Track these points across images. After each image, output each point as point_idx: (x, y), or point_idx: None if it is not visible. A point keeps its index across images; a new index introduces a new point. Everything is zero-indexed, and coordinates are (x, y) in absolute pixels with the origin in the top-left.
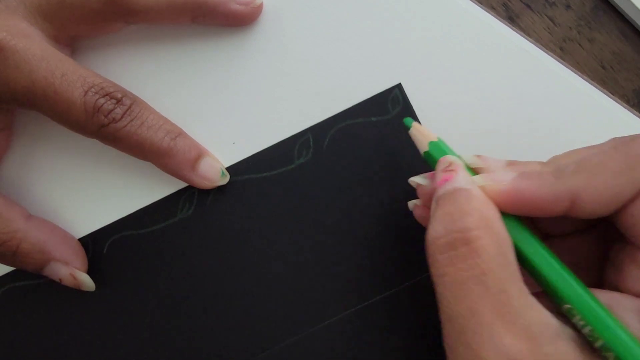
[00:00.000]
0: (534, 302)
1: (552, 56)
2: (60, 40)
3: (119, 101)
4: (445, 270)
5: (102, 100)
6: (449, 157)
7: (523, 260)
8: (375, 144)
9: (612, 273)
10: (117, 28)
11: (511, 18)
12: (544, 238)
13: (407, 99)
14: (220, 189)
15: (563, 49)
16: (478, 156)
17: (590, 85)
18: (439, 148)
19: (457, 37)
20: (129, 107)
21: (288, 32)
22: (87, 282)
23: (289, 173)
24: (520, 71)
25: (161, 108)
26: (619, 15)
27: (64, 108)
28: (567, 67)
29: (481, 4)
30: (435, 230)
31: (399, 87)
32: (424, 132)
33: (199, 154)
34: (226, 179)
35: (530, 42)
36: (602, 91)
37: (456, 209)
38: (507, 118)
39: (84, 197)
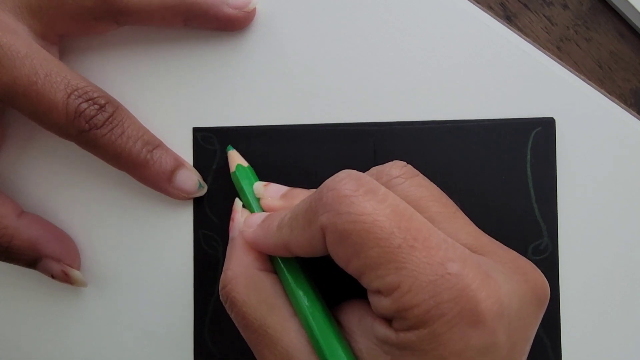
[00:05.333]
0: (293, 325)
1: (549, 55)
2: (47, 38)
3: (101, 107)
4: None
5: (84, 105)
6: (235, 202)
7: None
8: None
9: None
10: (107, 29)
11: (509, 17)
12: None
13: None
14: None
15: (560, 49)
16: (265, 184)
17: (587, 84)
18: (235, 178)
19: (454, 36)
20: (111, 115)
21: (281, 37)
22: (79, 279)
23: None
24: (518, 70)
25: (148, 113)
26: (617, 15)
27: (45, 109)
28: (564, 66)
29: (478, 3)
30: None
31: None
32: (230, 161)
33: (176, 165)
34: (203, 191)
35: (528, 41)
36: (599, 91)
37: (226, 263)
38: (506, 118)
39: (78, 193)
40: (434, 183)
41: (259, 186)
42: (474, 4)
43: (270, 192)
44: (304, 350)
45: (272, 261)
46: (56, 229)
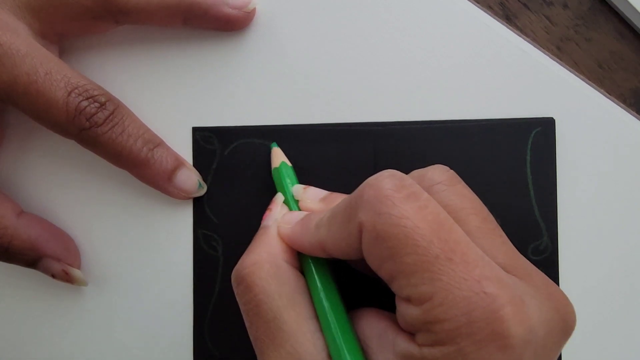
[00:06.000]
0: (309, 327)
1: (549, 55)
2: (47, 37)
3: (102, 105)
4: (239, 305)
5: (85, 103)
6: (277, 195)
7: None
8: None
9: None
10: (107, 28)
11: (508, 17)
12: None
13: None
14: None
15: (560, 49)
16: (305, 187)
17: (587, 84)
18: (278, 173)
19: (454, 36)
20: (112, 113)
21: (281, 37)
22: (79, 278)
23: None
24: (518, 70)
25: (147, 113)
26: (617, 15)
27: (45, 107)
28: (564, 66)
29: (478, 3)
30: (233, 269)
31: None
32: (274, 157)
33: (177, 165)
34: (203, 191)
35: (528, 41)
36: (599, 91)
37: (249, 247)
38: (506, 118)
39: (78, 193)
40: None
41: (299, 189)
42: (473, 4)
43: (310, 195)
44: (316, 355)
45: (301, 260)
46: (56, 229)
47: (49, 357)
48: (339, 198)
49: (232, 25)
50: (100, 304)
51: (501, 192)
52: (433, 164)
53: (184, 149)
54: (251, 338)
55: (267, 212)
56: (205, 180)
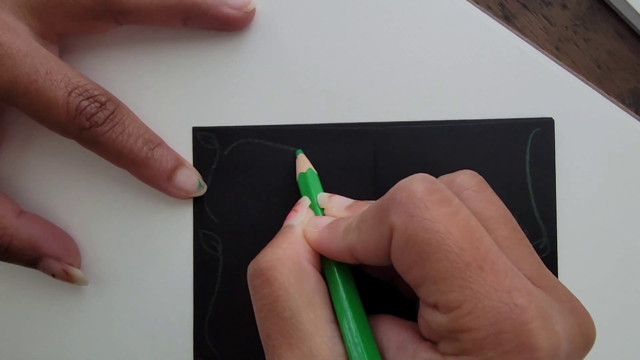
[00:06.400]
0: (326, 330)
1: (548, 56)
2: (47, 37)
3: (102, 105)
4: (252, 300)
5: (85, 103)
6: (302, 198)
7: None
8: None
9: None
10: (107, 28)
11: (507, 17)
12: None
13: None
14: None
15: (559, 49)
16: (330, 195)
17: (586, 84)
18: (304, 178)
19: (454, 36)
20: (112, 113)
21: (282, 37)
22: (80, 277)
23: None
24: (517, 71)
25: (147, 113)
26: (615, 15)
27: (45, 107)
28: (563, 66)
29: (477, 3)
30: (251, 261)
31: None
32: (301, 163)
33: (176, 165)
34: (203, 190)
35: (527, 41)
36: (598, 91)
37: (271, 243)
38: (505, 118)
39: (78, 193)
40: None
41: (324, 197)
42: (473, 4)
43: (335, 203)
44: (333, 357)
45: (324, 264)
46: (56, 228)
47: (49, 357)
48: (364, 206)
49: (232, 26)
50: (100, 304)
51: (500, 192)
52: (433, 164)
53: (184, 149)
54: (262, 334)
55: (292, 213)
56: (205, 180)
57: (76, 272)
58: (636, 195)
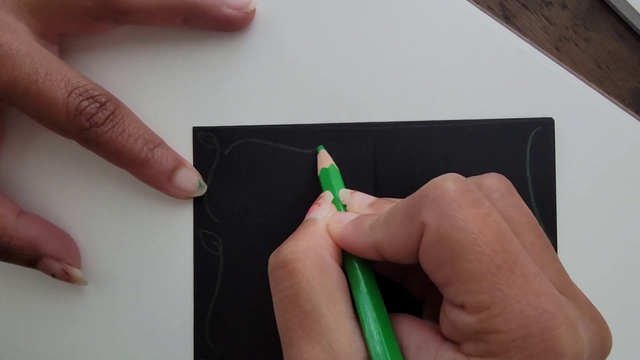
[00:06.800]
0: (346, 326)
1: (548, 56)
2: (47, 37)
3: (102, 105)
4: (272, 291)
5: (85, 103)
6: (325, 193)
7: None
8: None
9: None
10: (107, 28)
11: (507, 17)
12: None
13: None
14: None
15: (559, 49)
16: (352, 192)
17: (586, 84)
18: (327, 175)
19: (454, 36)
20: (112, 113)
21: (282, 37)
22: (80, 277)
23: None
24: (517, 71)
25: (147, 113)
26: (615, 15)
27: (45, 107)
28: (563, 66)
29: (477, 3)
30: (272, 253)
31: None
32: (323, 158)
33: (177, 165)
34: (203, 190)
35: (527, 41)
36: (598, 91)
37: (294, 235)
38: (505, 118)
39: (78, 193)
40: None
41: (346, 194)
42: (473, 4)
43: (357, 200)
44: (351, 356)
45: (345, 260)
46: (56, 228)
47: (49, 356)
48: (387, 204)
49: (232, 26)
50: (100, 304)
51: None
52: (433, 164)
53: (184, 149)
54: (280, 326)
55: (315, 206)
56: (205, 180)
57: (76, 272)
58: (636, 195)
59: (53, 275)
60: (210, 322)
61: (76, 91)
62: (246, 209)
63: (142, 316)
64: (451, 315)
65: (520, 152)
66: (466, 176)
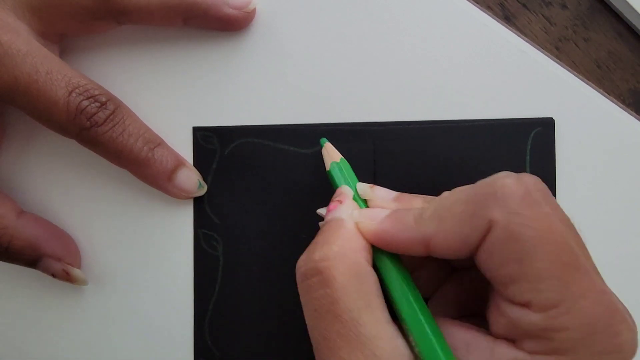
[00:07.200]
0: (387, 331)
1: (548, 55)
2: (47, 37)
3: (102, 105)
4: (304, 299)
5: (85, 103)
6: (343, 188)
7: (387, 293)
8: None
9: (489, 307)
10: (107, 28)
11: (507, 17)
12: (454, 269)
13: None
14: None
15: (559, 49)
16: (371, 186)
17: (586, 84)
18: (339, 169)
19: (454, 36)
20: (112, 112)
21: (281, 37)
22: (80, 277)
23: None
24: (517, 71)
25: (148, 113)
26: (615, 15)
27: (46, 107)
28: (563, 66)
29: (477, 3)
30: (301, 258)
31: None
32: (331, 152)
33: (177, 165)
34: (203, 190)
35: (527, 41)
36: (597, 90)
37: (323, 238)
38: (505, 118)
39: (78, 193)
40: (433, 182)
41: (366, 188)
42: (473, 4)
43: (380, 195)
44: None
45: (377, 260)
46: (56, 228)
47: (49, 357)
48: (412, 199)
49: (232, 26)
50: (100, 304)
51: None
52: (433, 164)
53: (185, 149)
54: (315, 335)
55: (336, 204)
56: (205, 180)
57: (76, 272)
58: (636, 195)
59: (53, 275)
60: (210, 322)
61: (77, 91)
62: (246, 209)
63: (142, 316)
64: (510, 313)
65: (520, 152)
66: (466, 176)
